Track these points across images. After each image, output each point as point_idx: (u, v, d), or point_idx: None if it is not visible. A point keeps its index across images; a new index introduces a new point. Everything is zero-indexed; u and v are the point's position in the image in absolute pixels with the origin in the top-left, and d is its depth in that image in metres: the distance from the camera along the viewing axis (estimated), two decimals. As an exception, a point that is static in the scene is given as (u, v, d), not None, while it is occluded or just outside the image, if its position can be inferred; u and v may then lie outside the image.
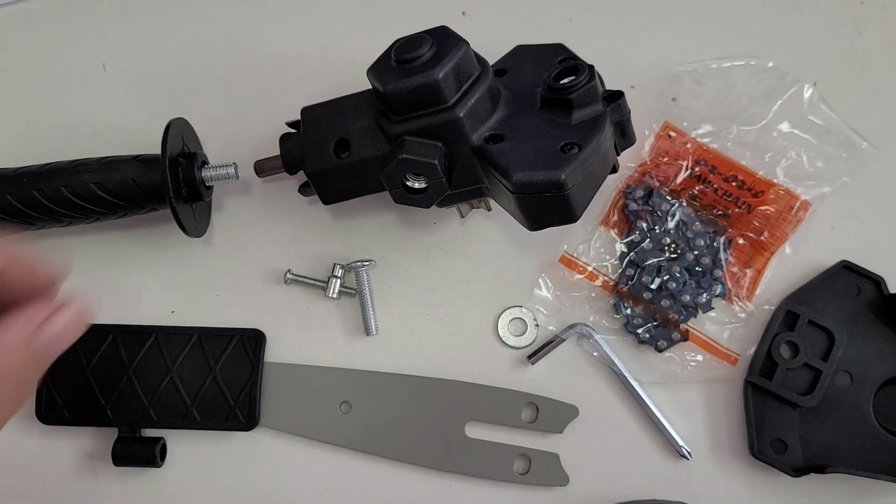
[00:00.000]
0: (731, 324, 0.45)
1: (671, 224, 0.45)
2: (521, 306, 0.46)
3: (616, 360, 0.44)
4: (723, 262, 0.45)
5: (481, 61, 0.37)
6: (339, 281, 0.45)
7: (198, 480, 0.44)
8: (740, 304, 0.45)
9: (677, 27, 0.49)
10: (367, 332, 0.45)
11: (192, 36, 0.49)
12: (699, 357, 0.45)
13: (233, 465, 0.44)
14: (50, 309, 0.31)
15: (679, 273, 0.44)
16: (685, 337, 0.44)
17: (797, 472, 0.42)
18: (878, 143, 0.46)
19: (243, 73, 0.48)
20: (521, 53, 0.43)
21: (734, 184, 0.46)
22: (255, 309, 0.45)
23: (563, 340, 0.45)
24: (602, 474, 0.44)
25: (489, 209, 0.43)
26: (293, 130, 0.42)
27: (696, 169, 0.46)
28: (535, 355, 0.45)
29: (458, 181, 0.38)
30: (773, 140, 0.46)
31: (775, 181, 0.46)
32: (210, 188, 0.44)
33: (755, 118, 0.47)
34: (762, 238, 0.45)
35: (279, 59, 0.48)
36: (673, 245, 0.45)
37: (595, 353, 0.45)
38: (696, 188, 0.46)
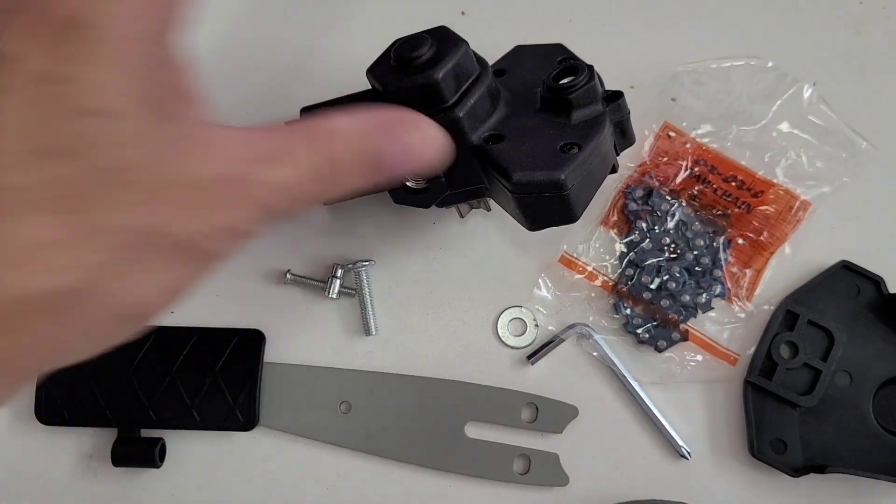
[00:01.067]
0: (730, 324, 0.45)
1: (671, 224, 0.45)
2: (521, 306, 0.46)
3: (616, 360, 0.44)
4: (722, 262, 0.45)
5: (481, 61, 0.37)
6: (339, 281, 0.45)
7: (197, 480, 0.44)
8: (740, 304, 0.45)
9: (677, 27, 0.49)
10: (367, 332, 0.45)
11: (191, 36, 0.49)
12: (699, 357, 0.45)
13: (232, 465, 0.44)
14: (419, 123, 0.24)
15: (679, 273, 0.44)
16: (685, 337, 0.44)
17: (797, 472, 0.42)
18: (878, 143, 0.46)
19: (242, 73, 0.48)
20: (521, 53, 0.43)
21: (734, 184, 0.46)
22: (255, 309, 0.45)
23: (563, 340, 0.45)
24: (602, 474, 0.44)
25: (489, 209, 0.43)
26: None
27: (696, 169, 0.46)
28: (534, 355, 0.45)
29: (457, 181, 0.38)
30: (773, 140, 0.46)
31: (775, 181, 0.46)
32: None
33: (755, 118, 0.46)
34: (762, 238, 0.45)
35: (278, 58, 0.48)
36: (672, 245, 0.45)
37: (595, 353, 0.45)
38: (696, 188, 0.46)
